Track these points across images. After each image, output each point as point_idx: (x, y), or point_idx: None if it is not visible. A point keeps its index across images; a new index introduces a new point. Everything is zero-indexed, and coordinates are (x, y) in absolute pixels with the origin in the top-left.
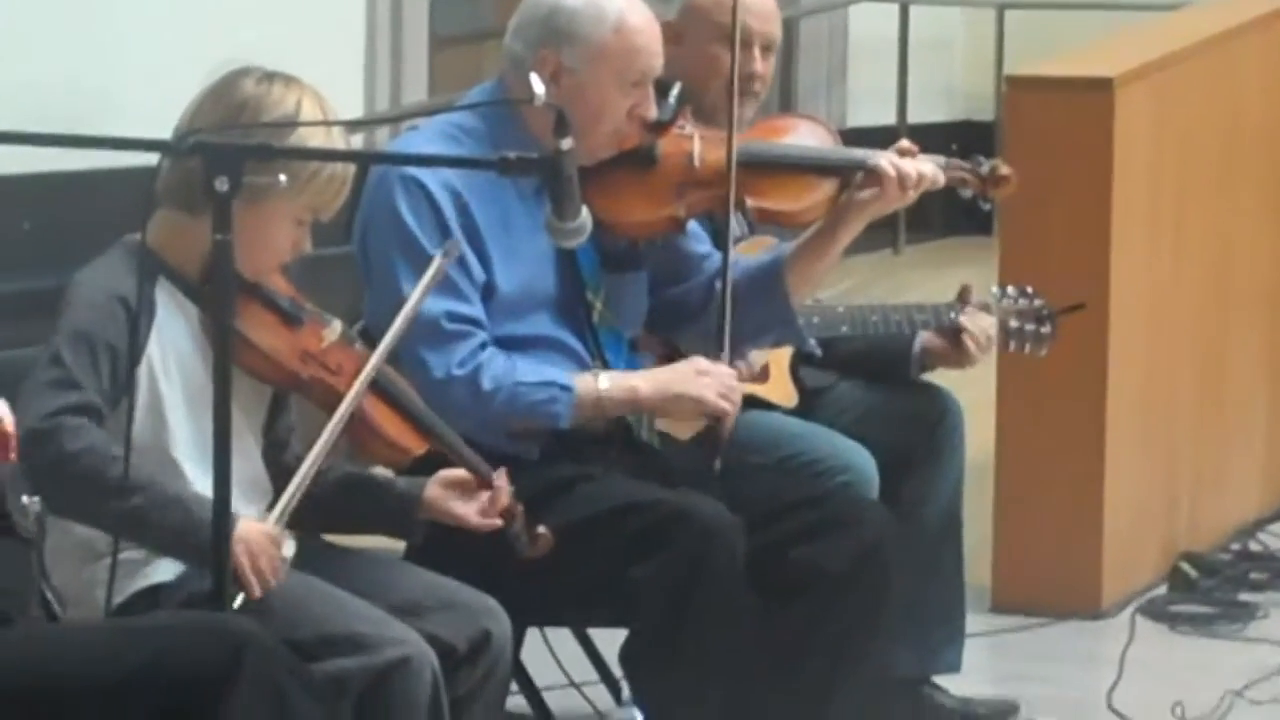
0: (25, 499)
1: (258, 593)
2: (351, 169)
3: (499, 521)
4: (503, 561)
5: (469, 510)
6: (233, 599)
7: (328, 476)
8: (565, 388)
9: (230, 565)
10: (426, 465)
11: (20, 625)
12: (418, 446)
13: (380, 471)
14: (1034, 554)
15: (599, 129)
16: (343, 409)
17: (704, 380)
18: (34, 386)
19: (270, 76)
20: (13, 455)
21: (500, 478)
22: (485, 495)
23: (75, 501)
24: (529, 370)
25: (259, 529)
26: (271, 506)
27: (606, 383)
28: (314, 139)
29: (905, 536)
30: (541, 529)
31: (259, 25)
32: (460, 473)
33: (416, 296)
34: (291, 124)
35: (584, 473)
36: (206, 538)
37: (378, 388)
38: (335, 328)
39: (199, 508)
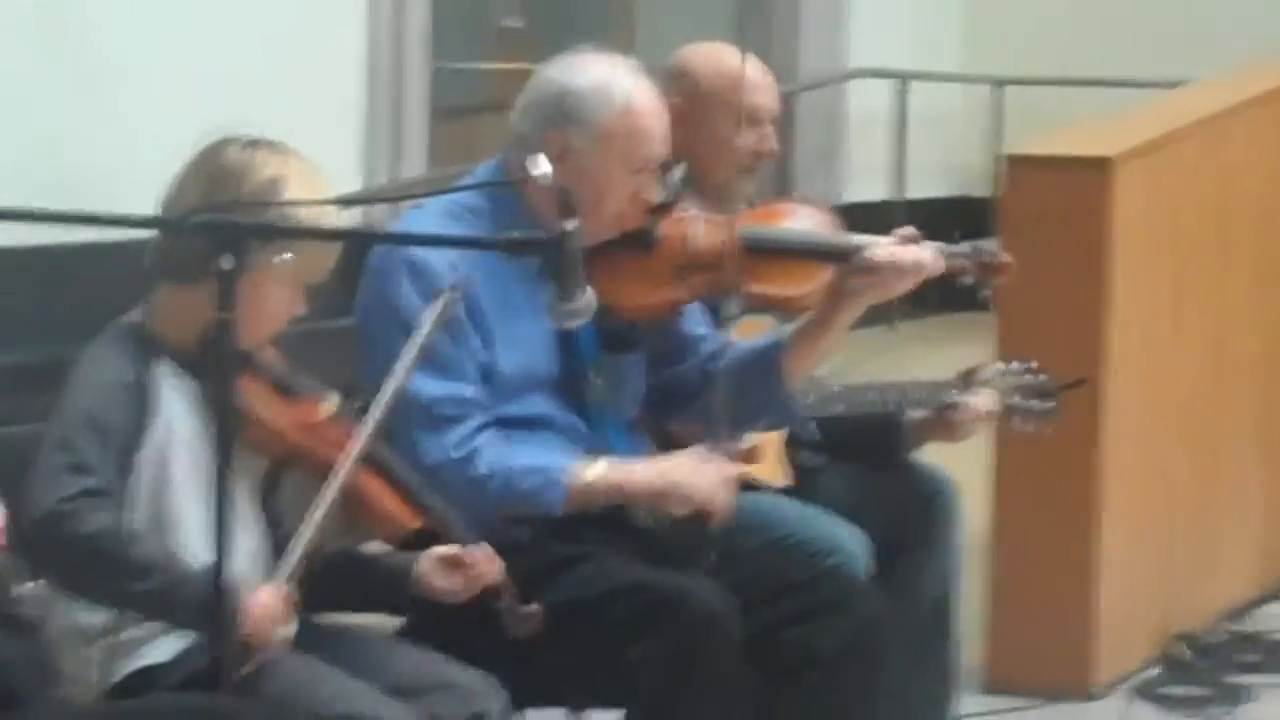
0: (23, 586)
1: (269, 651)
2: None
3: (484, 588)
4: (499, 640)
5: (454, 584)
6: (244, 664)
7: (321, 554)
8: (560, 476)
9: (230, 646)
10: (418, 541)
11: (21, 707)
12: (412, 521)
13: (373, 548)
14: (1028, 634)
15: (602, 211)
16: (336, 479)
17: (700, 474)
18: (44, 472)
19: (254, 144)
20: (2, 541)
21: (487, 554)
22: (472, 570)
23: (92, 584)
24: (525, 456)
25: (265, 590)
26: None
27: (602, 470)
28: (304, 206)
29: (898, 617)
30: (531, 607)
31: (257, 97)
32: (452, 549)
33: (424, 333)
34: (293, 203)
35: (580, 552)
36: (218, 610)
37: (372, 461)
38: (333, 401)
39: (204, 581)
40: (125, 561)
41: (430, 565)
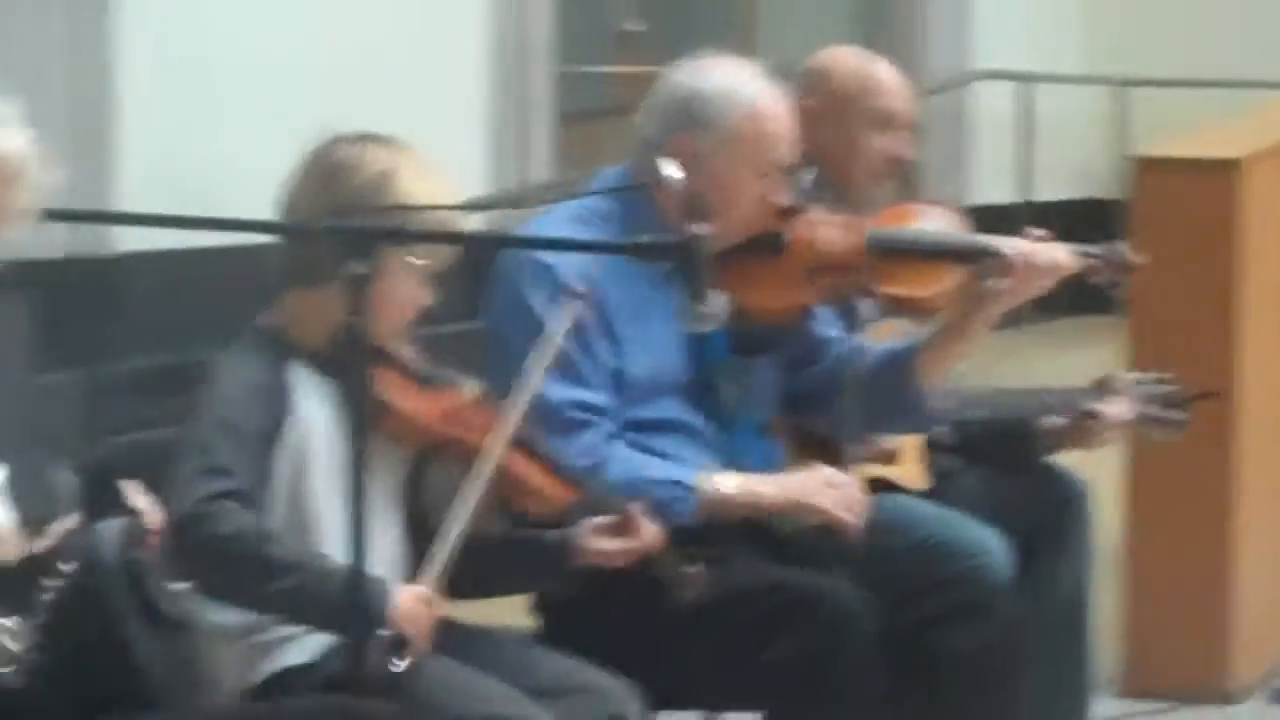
0: (173, 586)
1: (420, 653)
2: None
3: (647, 549)
4: (638, 642)
5: (618, 545)
6: (394, 665)
7: (480, 539)
8: (690, 488)
9: (375, 646)
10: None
11: (163, 710)
12: (565, 494)
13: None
14: (1164, 637)
15: (730, 214)
16: (489, 460)
17: (830, 493)
18: (185, 474)
19: (363, 139)
20: (153, 542)
21: (639, 518)
22: (635, 530)
23: (232, 585)
24: (656, 467)
25: (413, 592)
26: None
27: (732, 485)
28: (421, 199)
29: (1034, 619)
30: (694, 567)
31: (383, 104)
32: (608, 518)
33: (556, 337)
34: (422, 207)
35: (714, 554)
36: (365, 609)
37: (519, 441)
38: (470, 388)
39: (352, 582)
40: (264, 561)
41: (595, 532)
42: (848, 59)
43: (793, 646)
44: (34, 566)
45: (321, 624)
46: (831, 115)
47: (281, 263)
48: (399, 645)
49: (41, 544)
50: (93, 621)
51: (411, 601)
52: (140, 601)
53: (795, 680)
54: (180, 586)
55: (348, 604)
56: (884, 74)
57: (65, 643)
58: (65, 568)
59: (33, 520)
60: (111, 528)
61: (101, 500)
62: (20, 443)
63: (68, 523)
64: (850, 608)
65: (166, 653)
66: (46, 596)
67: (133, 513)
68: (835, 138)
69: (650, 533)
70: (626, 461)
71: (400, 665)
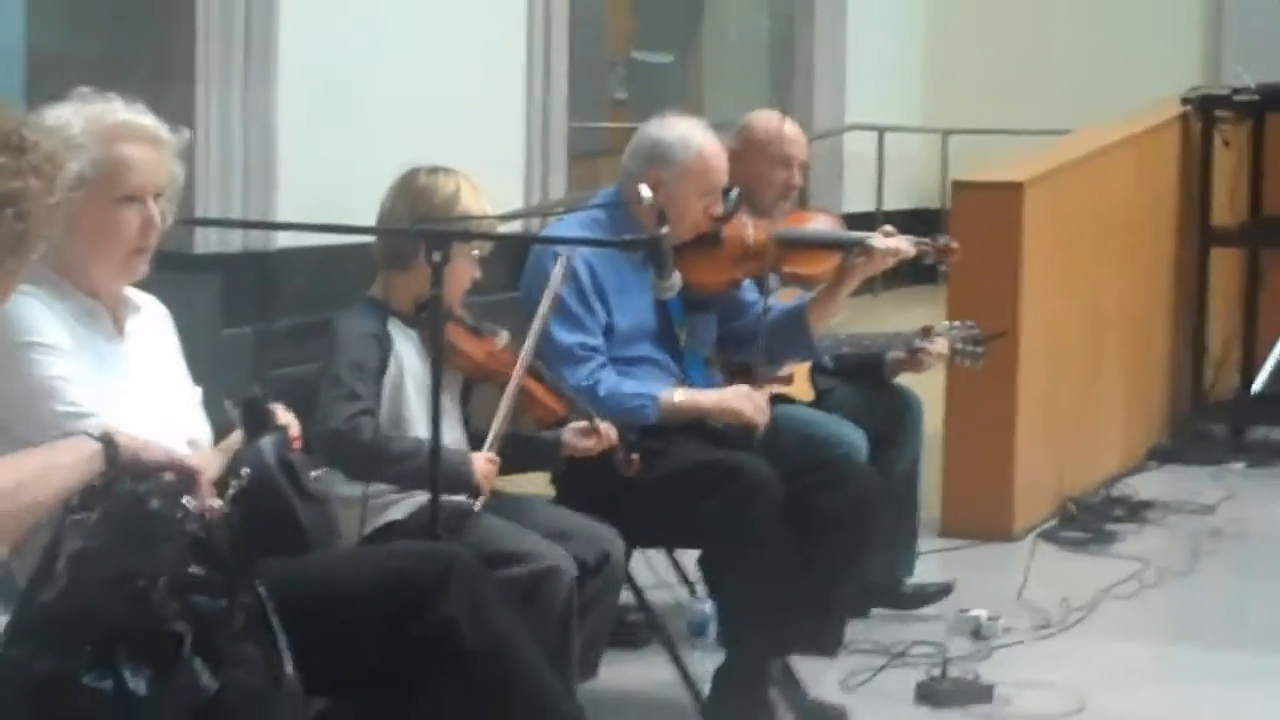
0: (313, 473)
1: (486, 493)
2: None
3: (606, 447)
4: (619, 501)
5: (590, 443)
6: (473, 505)
7: (507, 437)
8: (653, 398)
9: (453, 502)
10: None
11: (314, 554)
12: (562, 409)
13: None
14: (969, 498)
15: (684, 221)
16: (514, 384)
17: (747, 402)
18: (328, 400)
19: (434, 170)
20: (297, 445)
21: (603, 427)
22: (600, 433)
23: (375, 471)
24: (630, 385)
25: (483, 456)
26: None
27: (681, 397)
28: (475, 211)
29: (882, 487)
30: (634, 455)
31: (454, 143)
32: (583, 423)
33: (554, 288)
34: (474, 217)
35: (672, 441)
36: (458, 474)
37: (533, 371)
38: (504, 336)
39: (450, 455)
40: (391, 453)
41: (573, 433)
42: (761, 118)
43: (721, 505)
44: (224, 473)
45: (430, 486)
46: (750, 156)
47: (380, 253)
48: (476, 493)
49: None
50: (266, 501)
51: (483, 462)
52: (293, 485)
53: (723, 528)
54: (318, 473)
55: (448, 469)
56: (785, 128)
57: (249, 516)
58: (244, 472)
59: (215, 434)
60: (269, 440)
61: (257, 421)
62: (210, 375)
63: (233, 440)
64: (761, 477)
65: (312, 516)
66: (232, 491)
67: (279, 427)
68: (752, 171)
69: (608, 434)
70: (613, 383)
71: (478, 505)
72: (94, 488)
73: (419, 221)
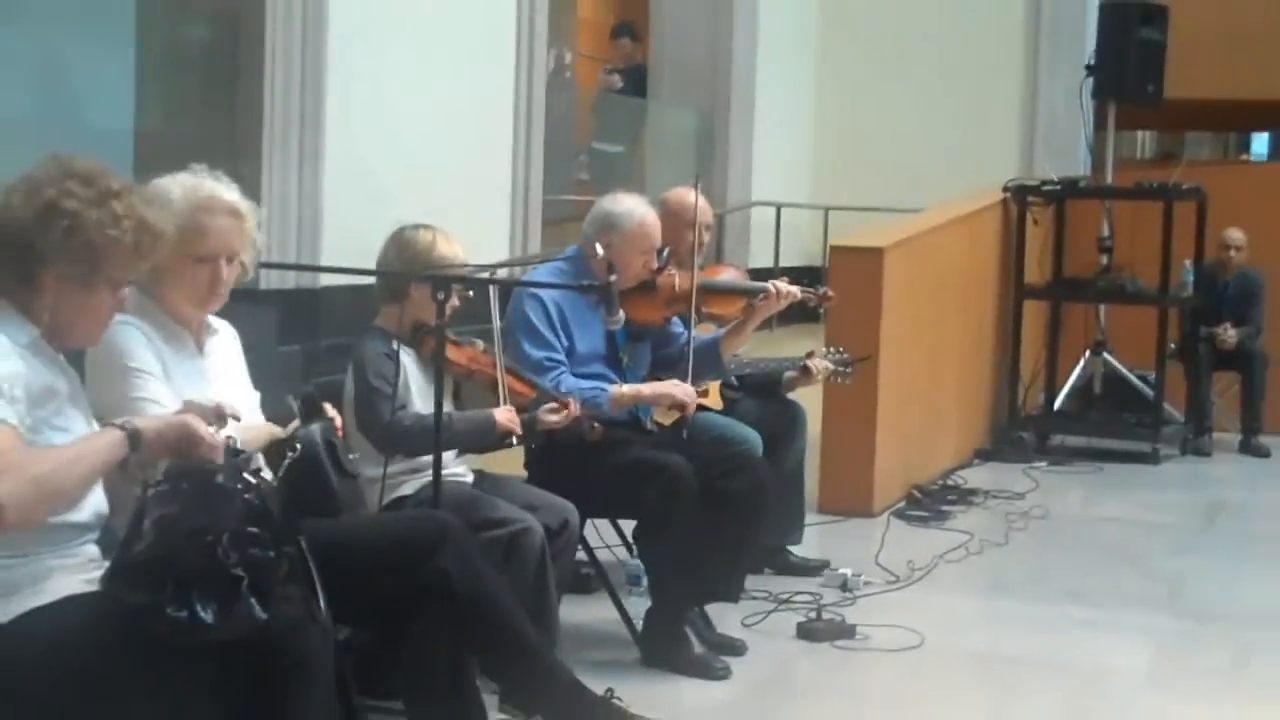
0: (350, 455)
1: (519, 430)
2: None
3: (570, 420)
4: (576, 483)
5: (557, 418)
6: (509, 444)
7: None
8: (604, 390)
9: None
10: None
11: (344, 517)
12: (531, 394)
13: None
14: (839, 481)
15: (628, 272)
16: (500, 376)
17: (677, 389)
18: (372, 405)
19: (416, 226)
20: (340, 432)
21: (572, 400)
22: (564, 411)
23: (419, 448)
24: (587, 383)
25: (502, 409)
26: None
27: (626, 389)
28: (449, 253)
29: (775, 476)
30: (596, 425)
31: (451, 208)
32: (553, 404)
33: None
34: (461, 265)
35: (620, 440)
36: (486, 423)
37: (509, 369)
38: (479, 345)
39: (463, 423)
40: (427, 434)
41: (546, 411)
42: (680, 195)
43: (653, 491)
44: (280, 447)
45: (467, 444)
46: (673, 224)
47: (378, 291)
48: (510, 439)
49: (282, 435)
50: (311, 474)
51: (503, 412)
52: (334, 463)
53: (654, 506)
54: (353, 455)
55: (477, 425)
56: (699, 203)
57: (296, 486)
58: (296, 448)
59: (277, 422)
60: (318, 426)
61: (311, 412)
62: (271, 383)
63: (293, 425)
64: (683, 470)
65: (345, 488)
66: (286, 463)
67: (328, 418)
68: (675, 236)
69: (573, 408)
70: (572, 382)
71: (516, 444)
72: (173, 467)
73: (406, 265)
